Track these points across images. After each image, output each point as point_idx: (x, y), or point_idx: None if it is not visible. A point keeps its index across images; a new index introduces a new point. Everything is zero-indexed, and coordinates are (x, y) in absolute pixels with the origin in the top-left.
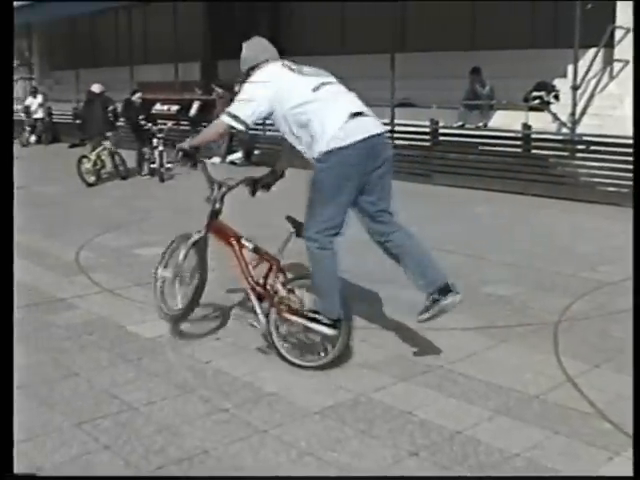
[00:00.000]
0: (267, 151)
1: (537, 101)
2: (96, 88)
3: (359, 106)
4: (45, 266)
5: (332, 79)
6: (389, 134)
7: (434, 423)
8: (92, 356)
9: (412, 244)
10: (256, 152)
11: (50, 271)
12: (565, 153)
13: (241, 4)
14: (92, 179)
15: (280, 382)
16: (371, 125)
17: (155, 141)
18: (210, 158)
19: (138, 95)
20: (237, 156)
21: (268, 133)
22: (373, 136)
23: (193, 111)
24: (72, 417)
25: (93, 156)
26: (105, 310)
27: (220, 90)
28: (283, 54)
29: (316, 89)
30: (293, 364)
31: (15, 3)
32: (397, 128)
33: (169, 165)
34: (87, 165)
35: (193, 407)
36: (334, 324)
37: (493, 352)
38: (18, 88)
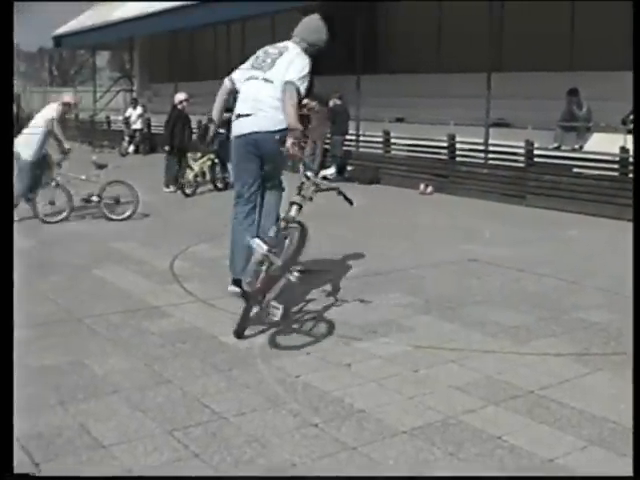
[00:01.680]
0: (359, 167)
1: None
2: (175, 98)
3: (248, 108)
4: (141, 274)
5: (263, 75)
6: (482, 153)
7: (524, 449)
8: (185, 364)
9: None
10: (349, 168)
11: (146, 279)
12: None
13: (338, 20)
14: (190, 190)
15: (369, 399)
16: (246, 125)
17: None
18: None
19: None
20: (330, 171)
21: (361, 150)
22: (245, 134)
23: None
24: (164, 423)
25: (196, 167)
26: (198, 319)
27: (317, 105)
28: (379, 71)
29: (245, 80)
30: None
31: (117, 18)
32: (491, 148)
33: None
34: (189, 176)
35: (282, 420)
36: None
37: (587, 380)
38: (119, 99)
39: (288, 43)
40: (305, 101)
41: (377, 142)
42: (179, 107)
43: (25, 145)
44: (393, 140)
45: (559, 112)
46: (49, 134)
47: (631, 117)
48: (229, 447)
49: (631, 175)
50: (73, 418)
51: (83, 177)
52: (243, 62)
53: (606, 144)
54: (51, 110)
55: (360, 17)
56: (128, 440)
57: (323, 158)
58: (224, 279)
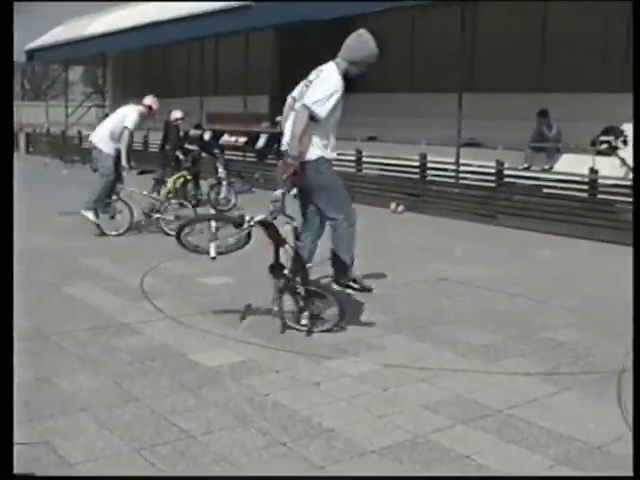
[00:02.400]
0: None
1: (605, 145)
2: (171, 115)
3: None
4: (111, 290)
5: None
6: (454, 173)
7: (492, 468)
8: (153, 382)
9: None
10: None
11: (115, 295)
12: (632, 199)
13: (311, 39)
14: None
15: (338, 418)
16: None
17: (220, 171)
18: (275, 190)
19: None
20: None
21: (333, 168)
22: None
23: (260, 143)
24: (132, 442)
25: (169, 184)
26: (168, 337)
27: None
28: (352, 90)
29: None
30: None
31: (90, 33)
32: (462, 168)
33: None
34: (162, 193)
35: (251, 439)
36: None
37: (555, 399)
38: (91, 114)
39: (326, 65)
40: (278, 118)
41: (349, 161)
42: (174, 124)
43: (100, 139)
44: (365, 159)
45: (529, 133)
46: (130, 135)
47: (601, 138)
48: (197, 465)
49: (600, 196)
50: (40, 436)
51: (144, 192)
52: (216, 79)
53: (575, 165)
54: (133, 111)
55: (334, 35)
56: (95, 458)
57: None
58: (194, 296)
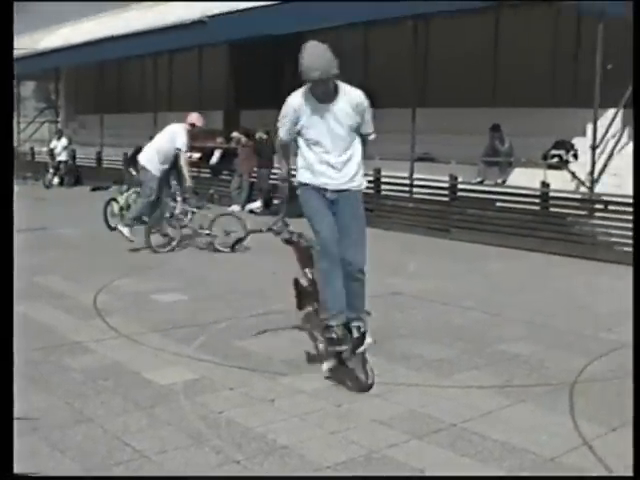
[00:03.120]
0: (285, 201)
1: (556, 159)
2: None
3: None
4: (63, 308)
5: None
6: (408, 187)
7: None
8: (106, 402)
9: None
10: (275, 202)
11: (68, 314)
12: (583, 212)
13: (265, 55)
14: (115, 223)
15: (293, 435)
16: None
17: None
18: (230, 206)
19: None
20: (256, 205)
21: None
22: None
23: (214, 159)
24: (84, 463)
25: (122, 200)
26: (121, 355)
27: (244, 138)
28: None
29: None
30: None
31: (43, 48)
32: (416, 182)
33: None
34: (114, 208)
35: (205, 458)
36: None
37: (509, 412)
38: (44, 130)
39: None
40: (234, 134)
41: None
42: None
43: (148, 160)
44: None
45: (482, 147)
46: (178, 156)
47: (552, 152)
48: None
49: (552, 209)
50: None
51: (194, 210)
52: (170, 95)
53: (527, 179)
54: (181, 131)
55: (288, 51)
56: None
57: (250, 192)
58: (148, 314)
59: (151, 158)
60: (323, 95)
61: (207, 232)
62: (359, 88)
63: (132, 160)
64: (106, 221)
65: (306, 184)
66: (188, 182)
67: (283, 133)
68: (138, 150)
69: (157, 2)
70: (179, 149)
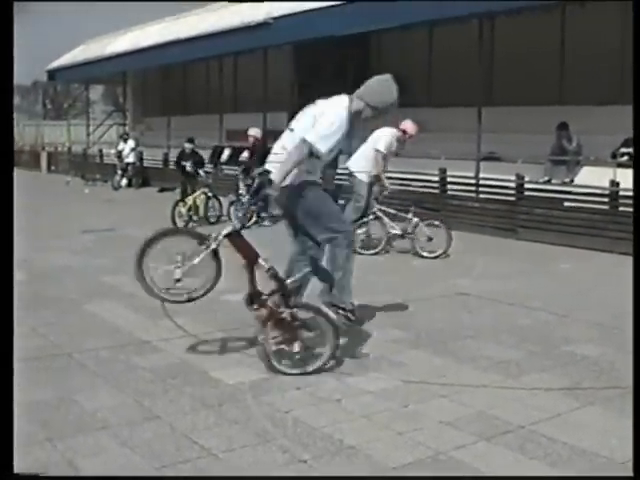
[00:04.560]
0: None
1: (625, 157)
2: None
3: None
4: (132, 308)
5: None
6: (474, 187)
7: None
8: (174, 400)
9: None
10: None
11: (136, 313)
12: (633, 203)
13: (329, 56)
14: (182, 223)
15: (359, 435)
16: None
17: (241, 189)
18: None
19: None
20: None
21: None
22: None
23: None
24: (152, 460)
25: (189, 201)
26: (189, 355)
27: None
28: None
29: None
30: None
31: (110, 52)
32: (482, 182)
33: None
34: (182, 209)
35: (272, 456)
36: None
37: (578, 414)
38: (112, 133)
39: (338, 99)
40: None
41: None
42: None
43: (357, 167)
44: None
45: (549, 146)
46: (383, 159)
47: (621, 150)
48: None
49: (622, 208)
50: (61, 454)
51: (392, 211)
52: (235, 96)
53: (596, 177)
54: (387, 134)
55: (352, 51)
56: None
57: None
58: (216, 314)
59: (359, 165)
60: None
61: (411, 236)
62: (424, 88)
63: (180, 160)
64: (173, 222)
65: (318, 184)
66: (385, 183)
67: (325, 149)
68: (182, 152)
69: (222, 2)
70: (377, 150)
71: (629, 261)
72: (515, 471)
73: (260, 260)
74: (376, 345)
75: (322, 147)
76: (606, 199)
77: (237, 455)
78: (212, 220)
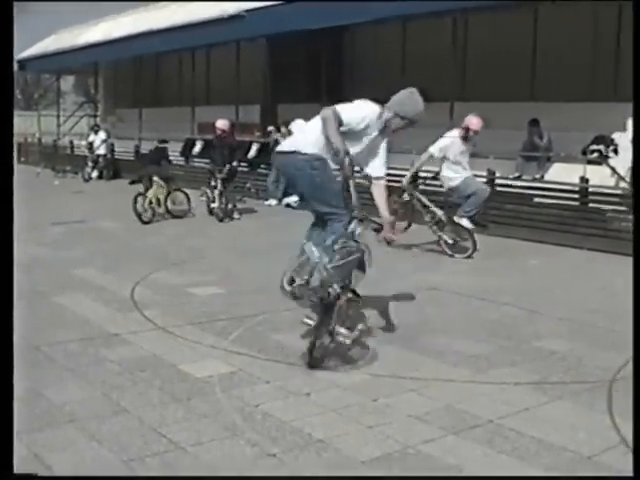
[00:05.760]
0: None
1: (595, 154)
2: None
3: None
4: (101, 301)
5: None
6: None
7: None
8: (143, 393)
9: None
10: None
11: (105, 306)
12: (623, 208)
13: (302, 49)
14: (147, 216)
15: (329, 429)
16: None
17: (214, 181)
18: (267, 200)
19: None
20: (293, 199)
21: None
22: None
23: (252, 153)
24: (120, 453)
25: (150, 193)
26: (158, 348)
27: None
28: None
29: None
30: None
31: (82, 43)
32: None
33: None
34: (143, 202)
35: (241, 450)
36: None
37: (546, 409)
38: (83, 124)
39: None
40: (270, 128)
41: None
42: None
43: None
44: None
45: (520, 142)
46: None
47: (592, 147)
48: (186, 478)
49: (591, 205)
50: (27, 448)
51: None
52: (208, 88)
53: (566, 174)
54: (446, 138)
55: (325, 46)
56: (84, 470)
57: (287, 185)
58: (185, 307)
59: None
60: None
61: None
62: (397, 82)
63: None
64: (137, 215)
65: (325, 160)
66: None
67: (349, 117)
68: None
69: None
70: (430, 154)
71: (598, 257)
72: (483, 464)
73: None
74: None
75: (345, 116)
76: (576, 195)
77: (205, 449)
78: (176, 214)
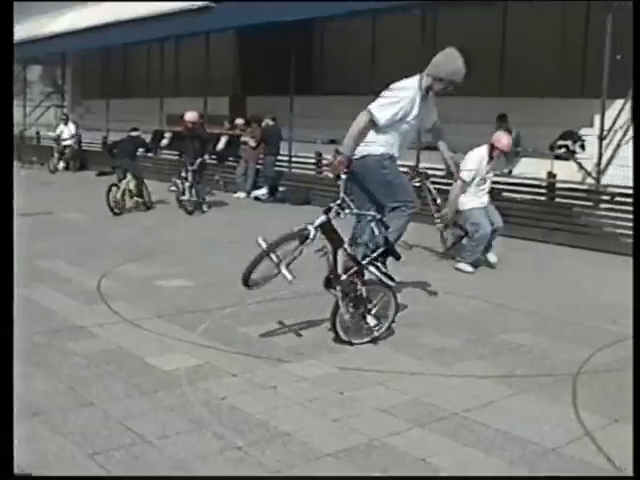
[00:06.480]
0: (291, 188)
1: (563, 150)
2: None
3: None
4: (67, 293)
5: None
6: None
7: (448, 471)
8: (108, 386)
9: None
10: (281, 188)
11: (72, 298)
12: (589, 203)
13: (272, 42)
14: (119, 208)
15: (295, 422)
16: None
17: (184, 173)
18: (235, 192)
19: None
20: (261, 192)
21: (293, 170)
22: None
23: (220, 145)
24: (85, 447)
25: (122, 184)
26: (124, 340)
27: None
28: (312, 92)
29: None
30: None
31: (49, 32)
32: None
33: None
34: (117, 194)
35: (207, 443)
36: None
37: (511, 402)
38: (50, 115)
39: (412, 77)
40: (237, 121)
41: (309, 163)
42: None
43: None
44: (325, 162)
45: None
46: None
47: (559, 143)
48: (152, 471)
49: (558, 200)
50: None
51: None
52: (177, 80)
53: (534, 169)
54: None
55: (295, 38)
56: (48, 464)
57: (255, 178)
58: (152, 299)
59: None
60: (430, 92)
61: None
62: (367, 76)
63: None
64: (109, 206)
65: (394, 157)
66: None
67: (386, 117)
68: (120, 140)
69: None
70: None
71: (565, 251)
72: (449, 456)
73: (345, 245)
74: (313, 332)
75: (379, 115)
76: (543, 190)
77: (171, 442)
78: (148, 205)
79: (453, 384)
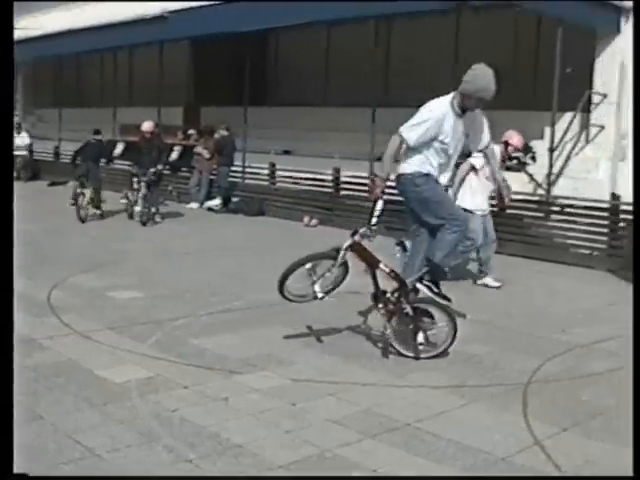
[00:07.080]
0: (245, 198)
1: (514, 161)
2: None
3: None
4: (17, 305)
5: None
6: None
7: None
8: (58, 399)
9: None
10: (234, 199)
11: (21, 311)
12: (540, 214)
13: (226, 52)
14: (84, 215)
15: (246, 434)
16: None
17: (137, 184)
18: (188, 203)
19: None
20: (215, 203)
21: (247, 181)
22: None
23: (174, 156)
24: (32, 462)
25: (87, 192)
26: (75, 353)
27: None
28: (267, 103)
29: None
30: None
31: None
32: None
33: None
34: (83, 202)
35: (157, 456)
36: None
37: (463, 411)
38: None
39: (441, 97)
40: (190, 131)
41: (263, 174)
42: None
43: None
44: (279, 172)
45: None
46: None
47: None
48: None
49: (509, 211)
50: None
51: None
52: (130, 90)
53: None
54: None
55: (249, 49)
56: None
57: (209, 189)
58: (103, 311)
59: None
60: (464, 111)
61: None
62: (320, 87)
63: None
64: (79, 215)
65: (429, 174)
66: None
67: (414, 138)
68: (85, 145)
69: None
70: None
71: (517, 262)
72: (400, 467)
73: (381, 265)
74: (265, 344)
75: (407, 135)
76: (494, 202)
77: (122, 455)
78: (103, 215)
79: (405, 395)
